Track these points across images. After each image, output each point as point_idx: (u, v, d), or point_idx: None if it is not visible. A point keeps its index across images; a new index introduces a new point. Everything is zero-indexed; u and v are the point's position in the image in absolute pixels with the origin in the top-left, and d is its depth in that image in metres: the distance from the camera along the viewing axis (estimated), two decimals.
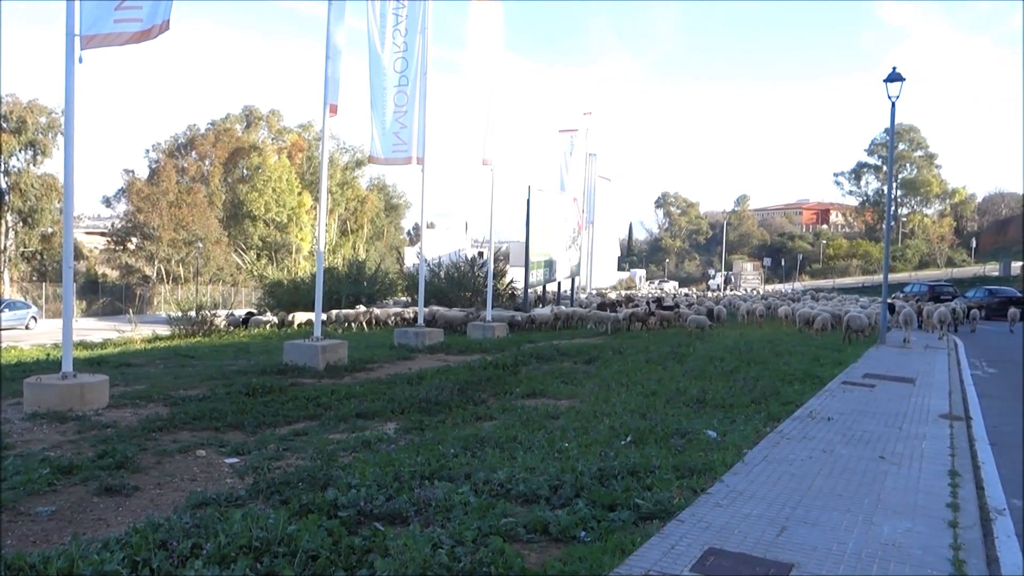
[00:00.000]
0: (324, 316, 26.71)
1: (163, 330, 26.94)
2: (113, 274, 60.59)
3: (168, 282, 57.34)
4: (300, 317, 26.37)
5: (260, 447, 7.70)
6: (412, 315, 25.65)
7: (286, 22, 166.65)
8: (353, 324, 27.09)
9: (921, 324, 24.61)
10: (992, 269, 68.33)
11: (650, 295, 50.44)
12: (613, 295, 50.38)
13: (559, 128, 39.64)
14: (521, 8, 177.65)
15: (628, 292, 62.44)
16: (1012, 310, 27.42)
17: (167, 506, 5.75)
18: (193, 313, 26.81)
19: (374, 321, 27.57)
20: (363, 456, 7.13)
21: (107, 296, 52.99)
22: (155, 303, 53.17)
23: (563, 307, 29.38)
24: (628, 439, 7.64)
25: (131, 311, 42.36)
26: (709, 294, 58.50)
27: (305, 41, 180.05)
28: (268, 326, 27.47)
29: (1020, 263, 64.08)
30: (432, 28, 18.20)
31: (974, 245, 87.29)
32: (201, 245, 58.62)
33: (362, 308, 28.65)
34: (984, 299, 34.80)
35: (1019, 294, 38.05)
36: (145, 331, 26.94)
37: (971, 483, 6.53)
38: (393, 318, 27.63)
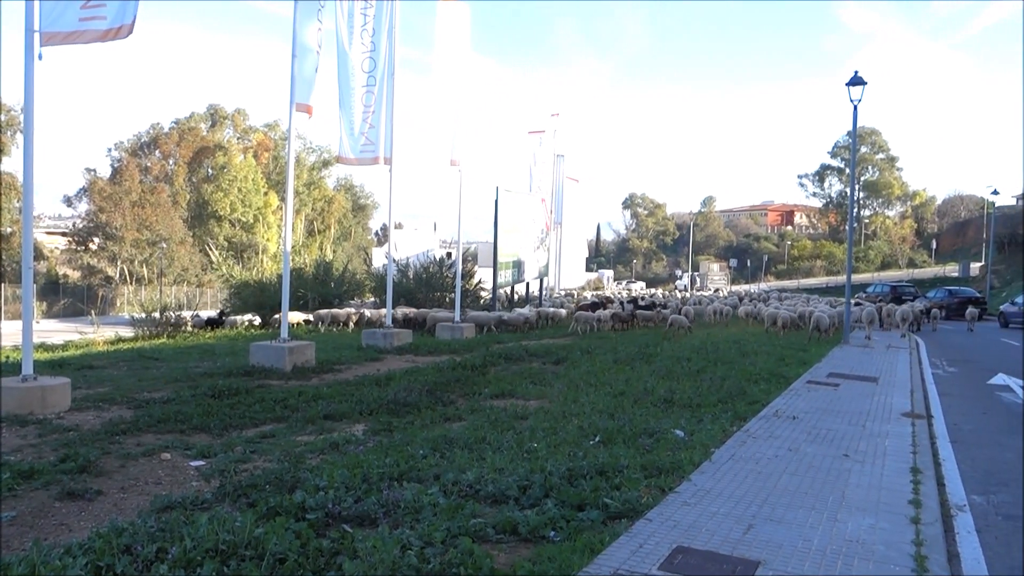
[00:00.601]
0: (311, 316, 26.58)
1: (126, 332, 26.50)
2: (75, 275, 59.53)
3: (131, 283, 56.46)
4: (290, 317, 25.94)
5: (226, 450, 7.60)
6: (402, 316, 25.44)
7: (252, 21, 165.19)
8: (343, 325, 26.69)
9: (883, 323, 25.08)
10: (952, 270, 69.66)
11: (620, 295, 50.69)
12: (589, 295, 50.57)
13: (527, 129, 39.84)
14: (489, 9, 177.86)
15: (598, 292, 62.75)
16: (971, 310, 28.06)
17: (131, 510, 5.65)
18: (157, 314, 26.40)
19: (361, 321, 27.13)
20: (331, 458, 7.08)
21: (68, 297, 51.97)
22: (118, 304, 52.30)
23: (542, 308, 29.43)
24: (597, 439, 7.67)
25: (93, 312, 41.50)
26: (677, 294, 59.06)
27: (274, 40, 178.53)
28: (244, 325, 27.06)
29: (979, 264, 65.50)
30: (400, 28, 18.14)
31: (934, 246, 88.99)
32: (165, 245, 57.79)
33: (352, 308, 28.35)
34: (944, 299, 35.56)
35: (978, 295, 38.98)
36: (108, 333, 26.50)
37: (932, 480, 6.65)
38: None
